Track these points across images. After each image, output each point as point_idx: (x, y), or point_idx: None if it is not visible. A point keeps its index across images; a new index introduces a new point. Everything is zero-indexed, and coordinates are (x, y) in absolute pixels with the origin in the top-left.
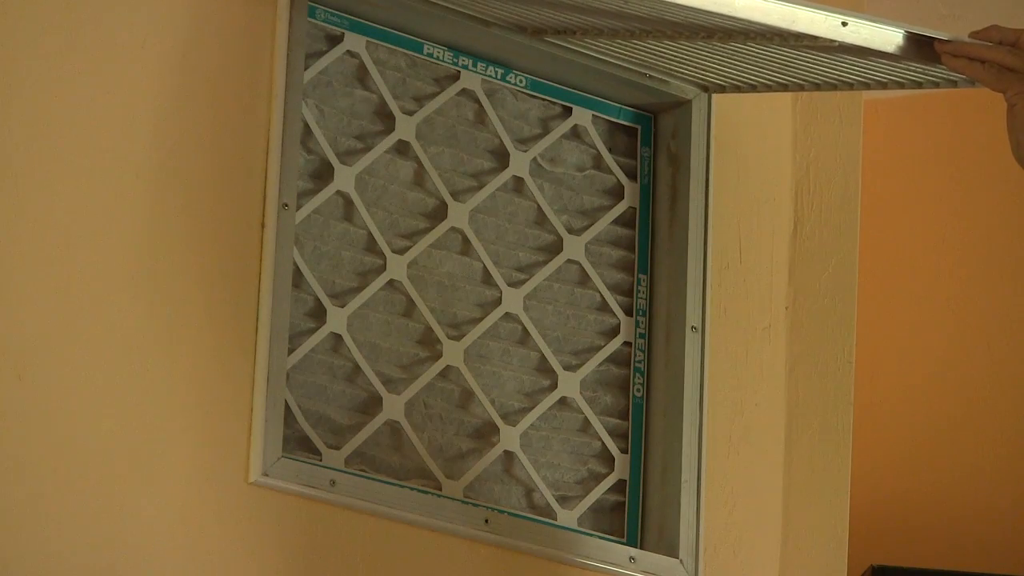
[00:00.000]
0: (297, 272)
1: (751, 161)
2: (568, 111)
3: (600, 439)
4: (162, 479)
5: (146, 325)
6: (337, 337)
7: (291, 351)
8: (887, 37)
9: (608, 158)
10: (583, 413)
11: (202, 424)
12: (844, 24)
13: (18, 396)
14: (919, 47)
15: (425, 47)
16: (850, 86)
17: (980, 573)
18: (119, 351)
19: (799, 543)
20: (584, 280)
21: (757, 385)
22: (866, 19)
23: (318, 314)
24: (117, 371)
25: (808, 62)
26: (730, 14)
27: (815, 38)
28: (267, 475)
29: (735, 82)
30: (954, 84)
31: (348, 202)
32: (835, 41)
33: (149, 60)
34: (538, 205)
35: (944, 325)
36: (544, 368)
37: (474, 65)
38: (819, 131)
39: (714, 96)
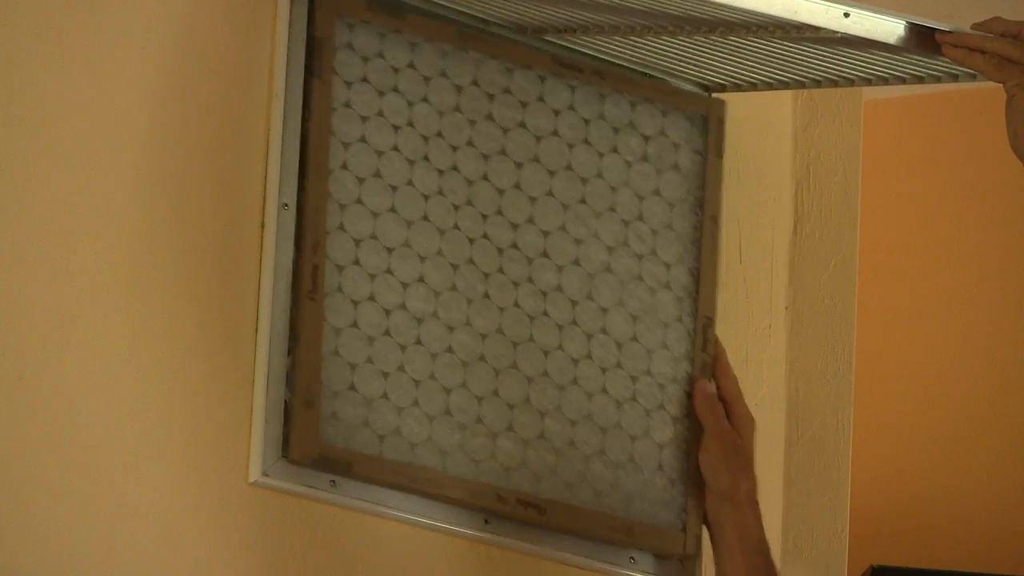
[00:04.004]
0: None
1: (751, 161)
2: None
3: None
4: (162, 479)
5: (146, 325)
6: None
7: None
8: (889, 28)
9: None
10: None
11: (202, 424)
12: (846, 15)
13: (18, 396)
14: (921, 39)
15: None
16: (851, 82)
17: (980, 573)
18: (119, 351)
19: (799, 543)
20: None
21: (757, 385)
22: (868, 10)
23: None
24: (117, 371)
25: (809, 57)
26: (732, 4)
27: (817, 29)
28: (267, 475)
29: (735, 80)
30: (955, 78)
31: None
32: (837, 32)
33: (148, 60)
34: None
35: (945, 324)
36: None
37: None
38: (819, 131)
39: (714, 95)
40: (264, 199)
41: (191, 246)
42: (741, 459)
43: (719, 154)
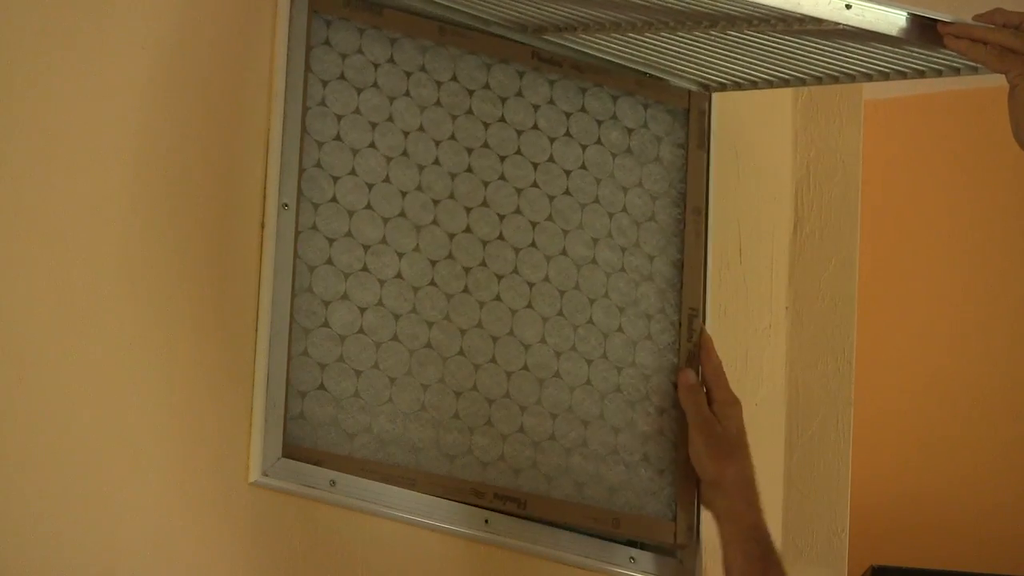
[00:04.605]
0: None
1: (751, 161)
2: None
3: None
4: (162, 479)
5: (146, 325)
6: None
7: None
8: (891, 20)
9: None
10: None
11: (202, 424)
12: (848, 7)
13: (18, 396)
14: (922, 30)
15: None
16: (852, 78)
17: (980, 573)
18: (119, 352)
19: (799, 543)
20: None
21: (757, 385)
22: (870, 2)
23: None
24: (117, 372)
25: (809, 53)
26: None
27: (819, 21)
28: (267, 475)
29: (735, 79)
30: (956, 71)
31: None
32: (839, 24)
33: (148, 60)
34: None
35: (945, 325)
36: None
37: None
38: (819, 131)
39: (714, 95)
40: (264, 199)
41: (191, 246)
42: (723, 446)
43: (701, 146)
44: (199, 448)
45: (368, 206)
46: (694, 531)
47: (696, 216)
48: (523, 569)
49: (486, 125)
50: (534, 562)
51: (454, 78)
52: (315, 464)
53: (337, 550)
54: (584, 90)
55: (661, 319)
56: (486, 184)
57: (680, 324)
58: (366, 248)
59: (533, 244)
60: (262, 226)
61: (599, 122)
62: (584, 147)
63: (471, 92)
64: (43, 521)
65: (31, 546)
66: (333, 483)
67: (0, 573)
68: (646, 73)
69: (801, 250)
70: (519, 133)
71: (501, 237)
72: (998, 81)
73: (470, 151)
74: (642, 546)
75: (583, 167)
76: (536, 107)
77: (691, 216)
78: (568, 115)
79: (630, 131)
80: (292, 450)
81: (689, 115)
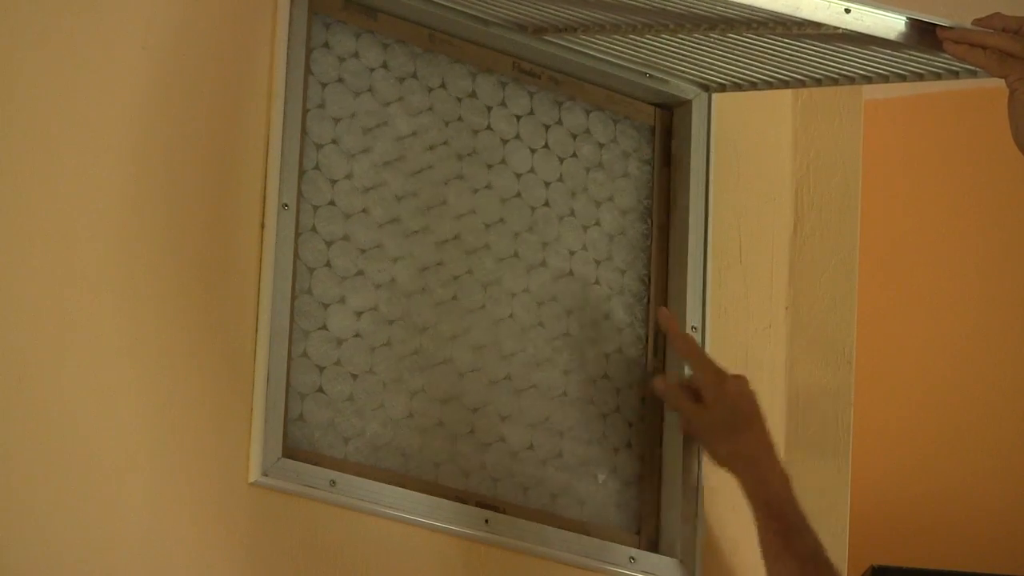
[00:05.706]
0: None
1: (751, 161)
2: None
3: None
4: (162, 479)
5: (146, 326)
6: None
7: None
8: (890, 24)
9: None
10: None
11: (202, 424)
12: (847, 11)
13: (18, 397)
14: (921, 35)
15: None
16: (851, 80)
17: (980, 573)
18: (119, 352)
19: None
20: None
21: (757, 385)
22: (869, 6)
23: None
24: (117, 372)
25: (809, 55)
26: (734, 1)
27: (818, 25)
28: (267, 475)
29: (735, 80)
30: (955, 74)
31: None
32: (838, 28)
33: (148, 60)
34: None
35: (945, 325)
36: None
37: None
38: (819, 131)
39: (714, 95)
40: (264, 199)
41: (191, 246)
42: (718, 431)
43: (666, 163)
44: (199, 448)
45: (363, 211)
46: (655, 544)
47: (661, 232)
48: (523, 569)
49: (475, 132)
50: (534, 562)
51: (443, 85)
52: (315, 464)
53: (337, 550)
54: (560, 103)
55: (629, 333)
56: (475, 191)
57: (647, 338)
58: (361, 252)
59: (516, 255)
60: (262, 227)
61: (574, 136)
62: (561, 160)
63: (459, 100)
64: (43, 521)
65: (31, 546)
66: (333, 483)
67: (1, 572)
68: (646, 73)
69: (801, 250)
70: (504, 143)
71: (487, 247)
72: (998, 81)
73: (460, 158)
74: (642, 546)
75: (560, 180)
76: (518, 117)
77: (657, 232)
78: (547, 127)
79: (602, 146)
80: (292, 451)
81: (655, 132)
